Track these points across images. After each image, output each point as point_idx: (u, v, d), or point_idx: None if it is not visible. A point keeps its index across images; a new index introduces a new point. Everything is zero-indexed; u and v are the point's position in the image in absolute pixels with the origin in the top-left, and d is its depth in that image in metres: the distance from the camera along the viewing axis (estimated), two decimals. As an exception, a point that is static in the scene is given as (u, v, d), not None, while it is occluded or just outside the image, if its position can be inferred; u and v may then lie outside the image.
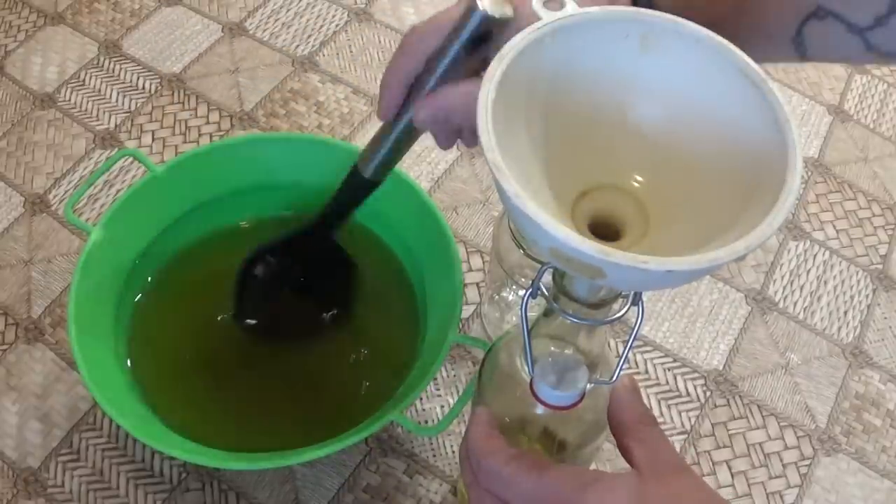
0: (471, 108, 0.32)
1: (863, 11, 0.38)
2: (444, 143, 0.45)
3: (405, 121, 0.44)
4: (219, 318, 0.62)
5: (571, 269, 0.32)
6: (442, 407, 0.63)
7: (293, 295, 0.62)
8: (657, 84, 0.36)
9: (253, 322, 0.61)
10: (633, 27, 0.35)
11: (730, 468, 0.61)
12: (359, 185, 0.50)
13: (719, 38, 0.35)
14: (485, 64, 0.34)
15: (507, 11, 0.39)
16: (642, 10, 0.35)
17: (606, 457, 0.61)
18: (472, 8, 0.39)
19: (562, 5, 0.36)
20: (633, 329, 0.38)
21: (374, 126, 0.76)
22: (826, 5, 0.39)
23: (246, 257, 0.59)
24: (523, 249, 0.54)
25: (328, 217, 0.55)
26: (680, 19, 0.35)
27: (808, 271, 0.71)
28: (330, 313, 0.62)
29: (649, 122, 0.37)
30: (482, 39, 0.40)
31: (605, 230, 0.37)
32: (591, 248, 0.30)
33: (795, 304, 0.70)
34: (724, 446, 0.62)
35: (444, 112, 0.41)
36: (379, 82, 0.44)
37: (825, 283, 0.71)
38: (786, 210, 0.31)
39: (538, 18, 0.35)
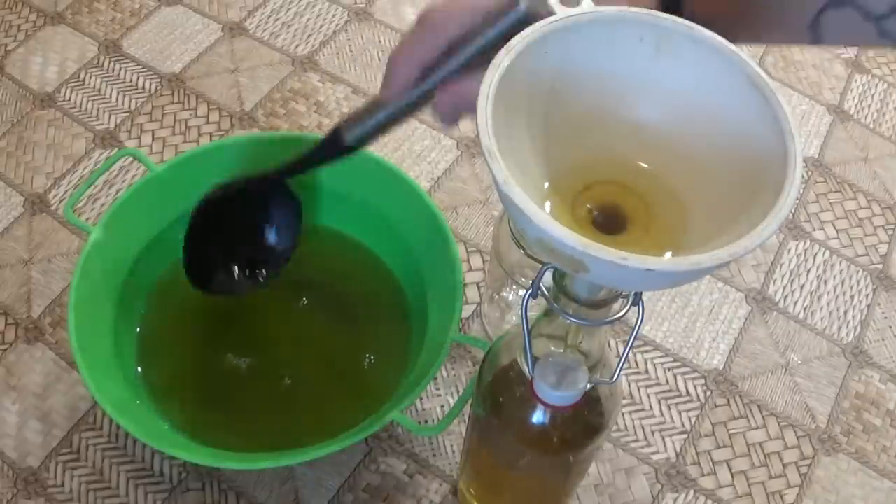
0: None
1: (880, 0, 0.39)
2: (450, 123, 0.43)
3: (408, 99, 0.42)
4: (221, 317, 0.62)
5: (556, 262, 0.32)
6: (442, 407, 0.63)
7: (243, 233, 0.60)
8: (665, 86, 0.36)
9: (206, 273, 0.59)
10: (647, 31, 0.35)
11: (730, 468, 0.61)
12: (337, 148, 0.48)
13: (732, 47, 0.34)
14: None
15: (551, 8, 0.37)
16: (657, 13, 0.35)
17: (607, 456, 0.61)
18: (516, 2, 0.38)
19: (577, 2, 0.36)
20: (633, 329, 0.38)
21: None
22: None
23: (196, 207, 0.57)
24: (523, 249, 0.54)
25: (290, 170, 0.54)
26: (695, 26, 0.35)
27: (808, 271, 0.71)
28: (281, 252, 0.61)
29: (653, 122, 0.37)
30: (513, 33, 0.38)
31: (611, 222, 0.36)
32: (571, 238, 0.29)
33: (795, 303, 0.70)
34: (724, 446, 0.62)
35: (466, 102, 0.39)
36: (379, 82, 0.43)
37: (825, 282, 0.71)
38: (773, 227, 0.31)
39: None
